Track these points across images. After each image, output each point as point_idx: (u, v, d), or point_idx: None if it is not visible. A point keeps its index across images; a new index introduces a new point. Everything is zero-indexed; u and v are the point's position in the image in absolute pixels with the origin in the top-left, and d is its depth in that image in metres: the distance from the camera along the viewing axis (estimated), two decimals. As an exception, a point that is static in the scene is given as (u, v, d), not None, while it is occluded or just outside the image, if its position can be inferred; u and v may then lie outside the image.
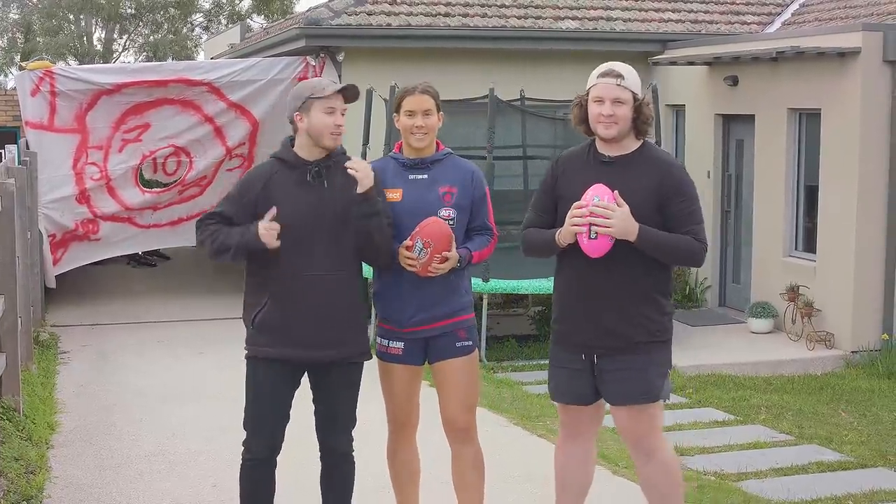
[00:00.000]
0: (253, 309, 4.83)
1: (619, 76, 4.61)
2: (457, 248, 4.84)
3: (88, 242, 13.30)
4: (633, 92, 4.61)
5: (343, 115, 4.81)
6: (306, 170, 4.78)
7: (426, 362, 5.04)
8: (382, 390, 5.11)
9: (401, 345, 4.97)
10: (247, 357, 4.89)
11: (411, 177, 4.95)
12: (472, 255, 4.92)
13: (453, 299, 4.95)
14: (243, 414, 4.89)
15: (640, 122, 4.64)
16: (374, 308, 5.08)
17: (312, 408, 4.99)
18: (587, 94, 4.68)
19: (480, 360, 6.95)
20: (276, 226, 4.67)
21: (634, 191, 4.55)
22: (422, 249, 4.76)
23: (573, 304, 4.73)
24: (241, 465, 4.90)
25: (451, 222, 4.88)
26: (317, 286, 4.73)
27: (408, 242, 4.80)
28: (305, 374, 4.91)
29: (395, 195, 4.92)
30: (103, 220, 13.28)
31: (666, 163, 4.69)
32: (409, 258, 4.78)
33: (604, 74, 4.64)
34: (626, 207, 4.50)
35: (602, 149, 4.71)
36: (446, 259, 4.78)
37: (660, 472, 4.74)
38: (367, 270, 5.14)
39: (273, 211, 4.69)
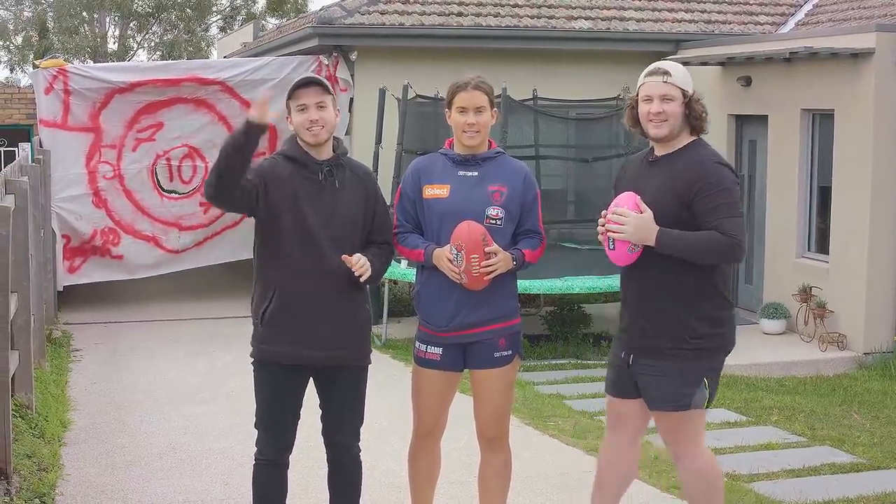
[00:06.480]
0: (261, 303, 4.78)
1: (666, 73, 4.59)
2: (506, 251, 4.72)
3: (111, 259, 13.16)
4: (681, 88, 4.59)
5: (321, 108, 4.68)
6: (317, 168, 4.74)
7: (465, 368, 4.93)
8: (412, 395, 4.99)
9: (439, 350, 4.84)
10: (252, 359, 4.84)
11: (460, 173, 4.80)
12: (524, 254, 4.78)
13: (498, 302, 4.80)
14: (255, 415, 4.87)
15: (692, 118, 4.61)
16: (415, 310, 4.97)
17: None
18: (637, 95, 4.68)
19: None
20: (265, 102, 4.53)
21: (666, 189, 4.53)
22: (457, 254, 4.64)
23: (623, 303, 4.79)
24: (254, 465, 4.90)
25: (497, 222, 4.75)
26: (322, 286, 4.68)
27: (448, 255, 4.69)
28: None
29: (441, 191, 4.78)
30: (125, 233, 13.19)
31: (700, 157, 4.59)
32: (452, 270, 4.67)
33: (650, 73, 4.63)
34: (648, 213, 4.48)
35: (657, 149, 4.71)
36: (488, 256, 4.64)
37: (692, 478, 4.75)
38: (410, 273, 5.02)
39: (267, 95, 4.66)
